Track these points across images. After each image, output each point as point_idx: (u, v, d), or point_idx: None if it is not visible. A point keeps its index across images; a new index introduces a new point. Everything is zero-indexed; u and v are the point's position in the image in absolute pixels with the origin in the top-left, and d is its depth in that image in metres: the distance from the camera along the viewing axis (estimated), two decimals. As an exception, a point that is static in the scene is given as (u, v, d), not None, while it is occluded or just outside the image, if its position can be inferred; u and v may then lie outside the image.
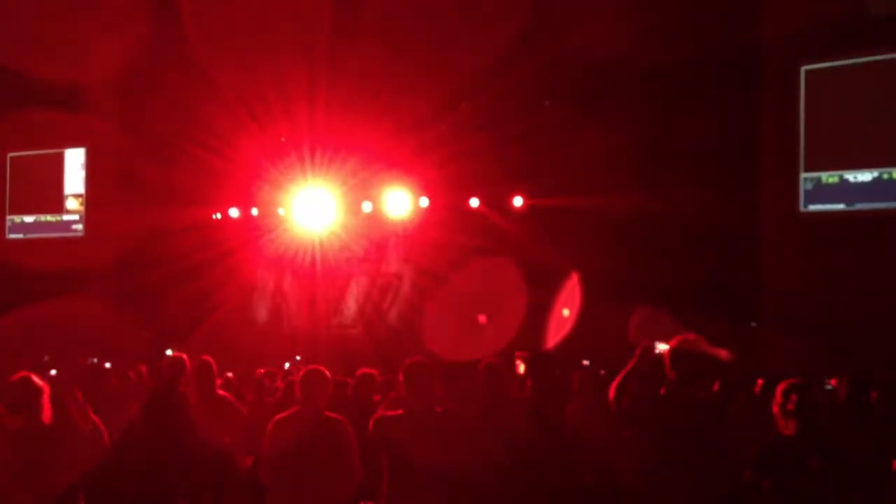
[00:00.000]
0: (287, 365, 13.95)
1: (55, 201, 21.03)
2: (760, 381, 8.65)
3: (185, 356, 6.86)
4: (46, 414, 4.78)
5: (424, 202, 16.40)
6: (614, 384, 4.86)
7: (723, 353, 4.64)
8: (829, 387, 8.93)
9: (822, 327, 13.80)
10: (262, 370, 9.47)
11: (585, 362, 9.55)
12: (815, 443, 4.34)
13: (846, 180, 14.97)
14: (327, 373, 5.48)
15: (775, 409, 4.51)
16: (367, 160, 16.16)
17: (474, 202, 16.32)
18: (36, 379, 4.87)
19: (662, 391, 4.83)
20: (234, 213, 17.92)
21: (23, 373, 5.02)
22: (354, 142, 15.89)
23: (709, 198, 14.71)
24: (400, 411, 5.19)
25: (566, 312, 14.67)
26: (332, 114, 15.67)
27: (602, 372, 8.11)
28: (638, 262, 15.16)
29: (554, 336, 15.01)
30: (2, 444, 4.76)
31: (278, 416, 5.54)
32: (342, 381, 7.75)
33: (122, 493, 6.41)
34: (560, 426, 6.20)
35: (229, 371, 9.64)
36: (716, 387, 6.47)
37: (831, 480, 4.21)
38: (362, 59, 15.27)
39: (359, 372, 7.64)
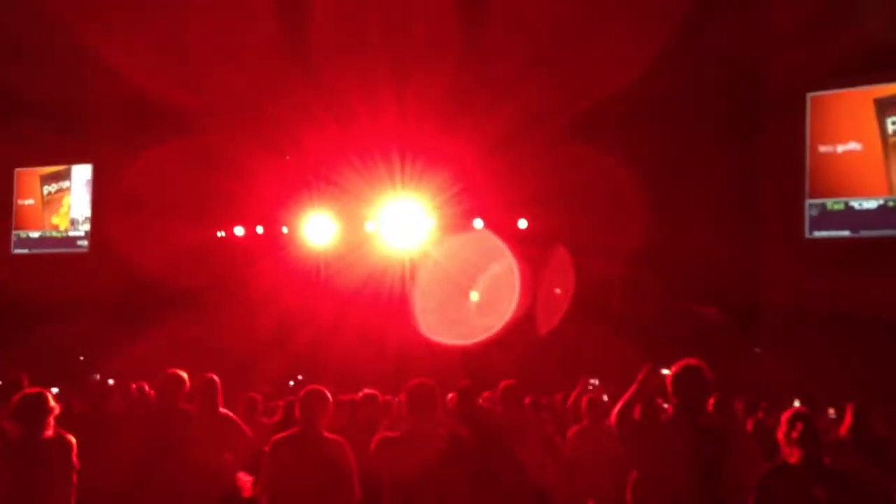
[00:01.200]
0: (291, 383, 13.91)
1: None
2: (764, 406, 8.65)
3: (184, 373, 6.85)
4: (49, 431, 4.80)
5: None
6: (616, 409, 4.85)
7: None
8: (832, 416, 8.89)
9: (826, 354, 13.77)
10: (255, 394, 9.37)
11: (594, 381, 9.40)
12: (819, 471, 4.31)
13: (851, 207, 14.98)
14: (327, 393, 5.47)
15: (780, 436, 4.49)
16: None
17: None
18: (50, 397, 4.91)
19: (664, 416, 4.82)
20: (238, 231, 17.95)
21: (38, 389, 5.05)
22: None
23: (713, 224, 14.73)
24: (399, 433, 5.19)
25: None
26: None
27: (605, 397, 8.09)
28: (640, 286, 15.19)
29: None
30: (2, 453, 4.80)
31: (277, 437, 5.53)
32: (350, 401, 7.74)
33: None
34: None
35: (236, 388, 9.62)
36: (717, 411, 6.46)
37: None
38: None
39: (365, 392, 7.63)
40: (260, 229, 17.88)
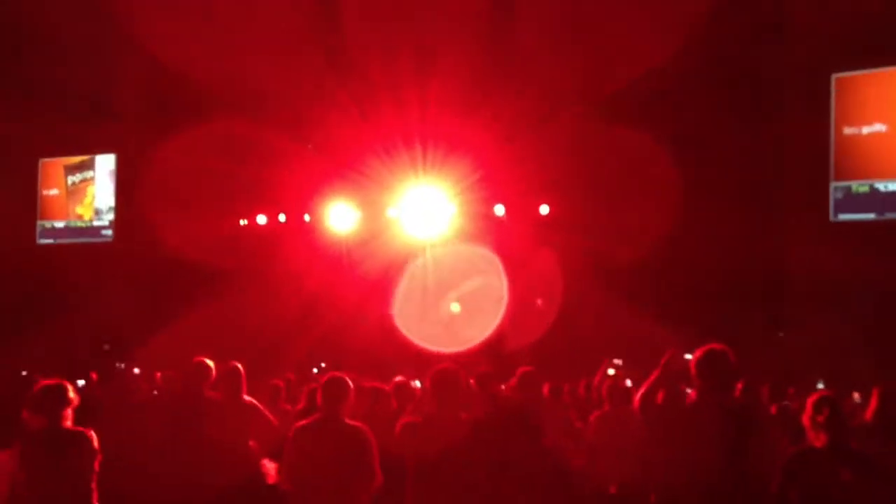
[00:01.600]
0: (315, 370, 13.95)
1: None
2: (791, 391, 8.60)
3: (210, 361, 6.90)
4: (68, 422, 4.83)
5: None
6: (639, 393, 4.84)
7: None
8: (857, 400, 8.82)
9: (851, 337, 13.67)
10: (278, 381, 9.42)
11: (617, 361, 9.26)
12: (845, 455, 4.29)
13: (877, 189, 14.82)
14: (348, 380, 5.51)
15: (805, 420, 4.46)
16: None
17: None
18: (70, 388, 4.94)
19: (689, 400, 4.80)
20: (261, 219, 17.98)
21: (59, 380, 5.09)
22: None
23: (738, 207, 14.64)
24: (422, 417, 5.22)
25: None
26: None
27: (628, 382, 8.07)
28: (666, 270, 15.12)
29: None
30: (22, 443, 4.84)
31: (299, 424, 5.60)
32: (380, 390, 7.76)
33: (144, 498, 6.46)
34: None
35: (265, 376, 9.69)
36: (742, 396, 6.44)
37: (862, 493, 4.15)
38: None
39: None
40: (283, 217, 17.88)
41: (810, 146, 15.25)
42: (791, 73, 15.27)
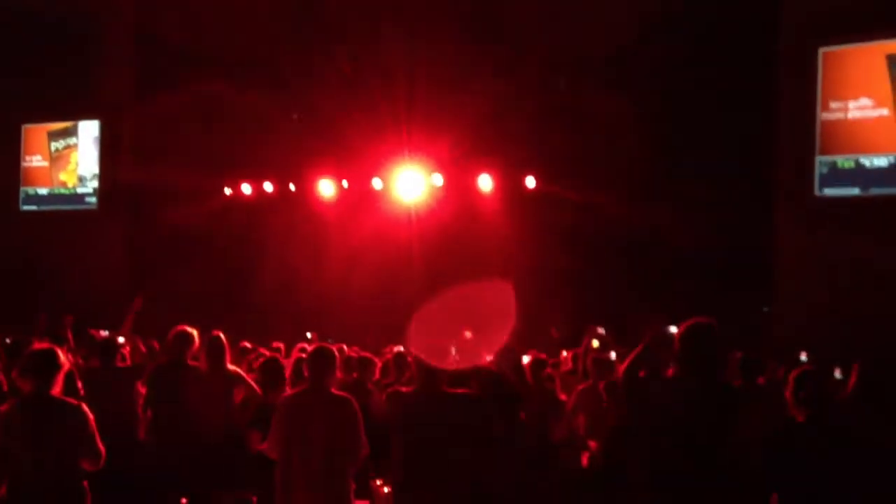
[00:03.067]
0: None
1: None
2: (772, 366, 8.65)
3: (193, 329, 6.89)
4: (56, 388, 4.82)
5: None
6: (622, 367, 4.85)
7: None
8: (837, 375, 8.88)
9: (834, 312, 13.75)
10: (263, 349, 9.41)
11: (601, 330, 9.19)
12: (827, 430, 4.32)
13: (862, 165, 14.86)
14: (335, 350, 5.53)
15: (788, 395, 4.48)
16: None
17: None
18: (60, 354, 4.92)
19: (671, 374, 4.81)
20: (246, 189, 17.92)
21: (49, 345, 5.08)
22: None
23: (722, 180, 14.65)
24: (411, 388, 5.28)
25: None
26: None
27: (613, 355, 8.07)
28: (650, 244, 15.13)
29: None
30: (13, 406, 4.82)
31: (285, 394, 5.70)
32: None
33: (131, 468, 6.47)
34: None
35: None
36: (726, 371, 6.47)
37: (843, 467, 4.19)
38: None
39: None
40: (269, 186, 17.77)
41: (796, 121, 15.25)
42: (778, 47, 15.22)
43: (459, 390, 5.19)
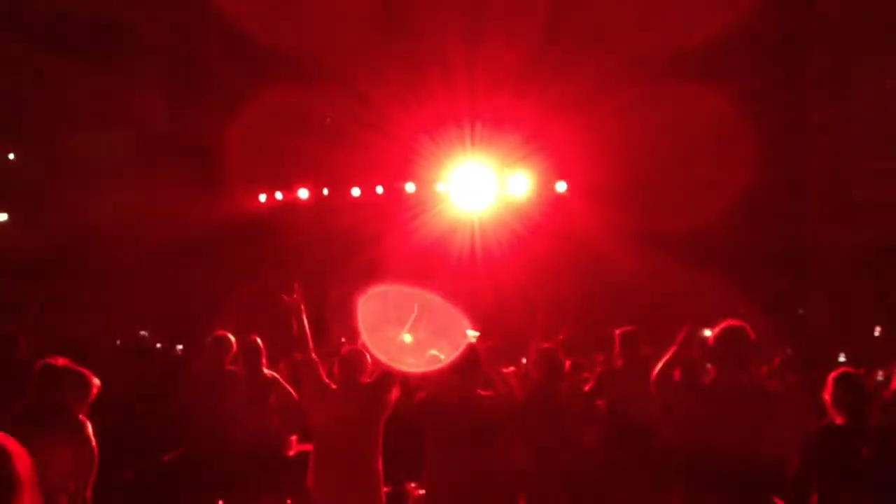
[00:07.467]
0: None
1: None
2: (810, 367, 8.55)
3: (231, 335, 6.94)
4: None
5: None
6: (656, 370, 4.78)
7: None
8: (880, 377, 8.77)
9: (871, 315, 13.59)
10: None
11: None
12: (867, 432, 4.26)
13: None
14: (366, 353, 5.60)
15: (826, 398, 4.43)
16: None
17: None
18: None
19: (706, 378, 4.75)
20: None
21: (64, 360, 4.73)
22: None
23: (759, 181, 14.51)
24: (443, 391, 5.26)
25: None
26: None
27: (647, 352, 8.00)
28: (685, 244, 15.01)
29: None
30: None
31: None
32: None
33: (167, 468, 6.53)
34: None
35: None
36: (762, 372, 6.40)
37: (883, 471, 4.13)
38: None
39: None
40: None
41: (834, 122, 15.10)
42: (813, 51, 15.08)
43: (490, 392, 5.20)
